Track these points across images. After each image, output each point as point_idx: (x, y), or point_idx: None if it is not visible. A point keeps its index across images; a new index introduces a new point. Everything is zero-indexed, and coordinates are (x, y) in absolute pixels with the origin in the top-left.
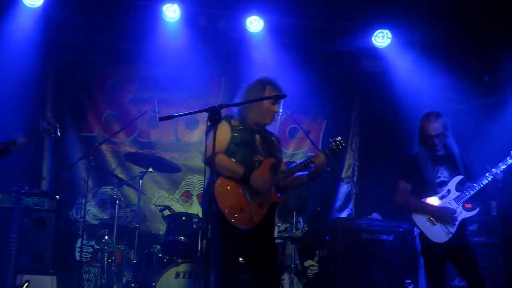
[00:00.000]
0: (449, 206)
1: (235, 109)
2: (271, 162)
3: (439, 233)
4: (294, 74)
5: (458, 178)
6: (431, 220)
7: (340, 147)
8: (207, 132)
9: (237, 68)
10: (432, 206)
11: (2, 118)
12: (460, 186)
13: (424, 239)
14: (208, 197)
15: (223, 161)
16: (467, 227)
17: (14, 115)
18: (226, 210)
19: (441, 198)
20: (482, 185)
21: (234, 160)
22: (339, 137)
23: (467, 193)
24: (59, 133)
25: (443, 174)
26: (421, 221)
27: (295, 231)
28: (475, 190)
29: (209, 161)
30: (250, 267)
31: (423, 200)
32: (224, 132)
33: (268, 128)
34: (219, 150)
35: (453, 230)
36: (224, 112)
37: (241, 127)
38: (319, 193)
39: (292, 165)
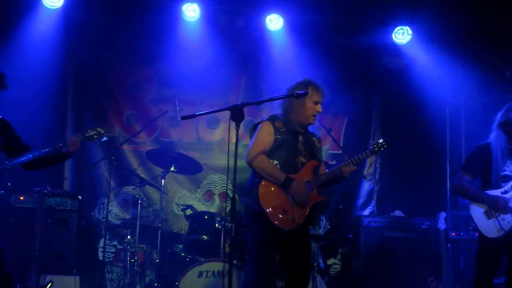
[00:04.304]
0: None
1: (279, 111)
2: (314, 164)
3: (491, 228)
4: (315, 71)
5: None
6: (488, 213)
7: (382, 149)
8: (251, 132)
9: (257, 67)
10: (487, 195)
11: (24, 119)
12: None
13: (478, 232)
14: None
15: (265, 165)
16: None
17: (36, 117)
18: (269, 211)
19: (503, 193)
20: None
21: (277, 162)
22: (381, 139)
23: None
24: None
25: (509, 167)
26: (477, 213)
27: (317, 229)
28: None
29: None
30: (286, 262)
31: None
32: (268, 133)
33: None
34: (262, 151)
35: (507, 228)
36: (267, 113)
37: (284, 128)
38: (341, 191)
39: (331, 168)
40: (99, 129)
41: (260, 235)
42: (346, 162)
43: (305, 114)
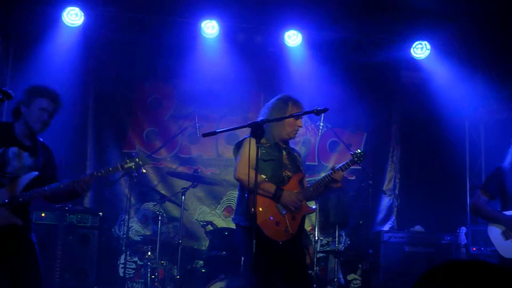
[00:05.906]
0: None
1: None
2: (300, 177)
3: (509, 249)
4: (334, 87)
5: None
6: (505, 234)
7: (362, 158)
8: (235, 150)
9: (276, 83)
10: (504, 215)
11: (44, 136)
12: None
13: (497, 253)
14: (241, 212)
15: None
16: None
17: (56, 134)
18: (263, 225)
19: None
20: None
21: (264, 176)
22: (359, 150)
23: None
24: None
25: None
26: (495, 234)
27: (337, 244)
28: None
29: (242, 178)
30: (284, 274)
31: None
32: (253, 149)
33: (291, 142)
34: (250, 167)
35: None
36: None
37: (268, 144)
38: (361, 206)
39: (318, 179)
40: (138, 160)
41: (258, 251)
42: (333, 170)
43: (286, 129)
